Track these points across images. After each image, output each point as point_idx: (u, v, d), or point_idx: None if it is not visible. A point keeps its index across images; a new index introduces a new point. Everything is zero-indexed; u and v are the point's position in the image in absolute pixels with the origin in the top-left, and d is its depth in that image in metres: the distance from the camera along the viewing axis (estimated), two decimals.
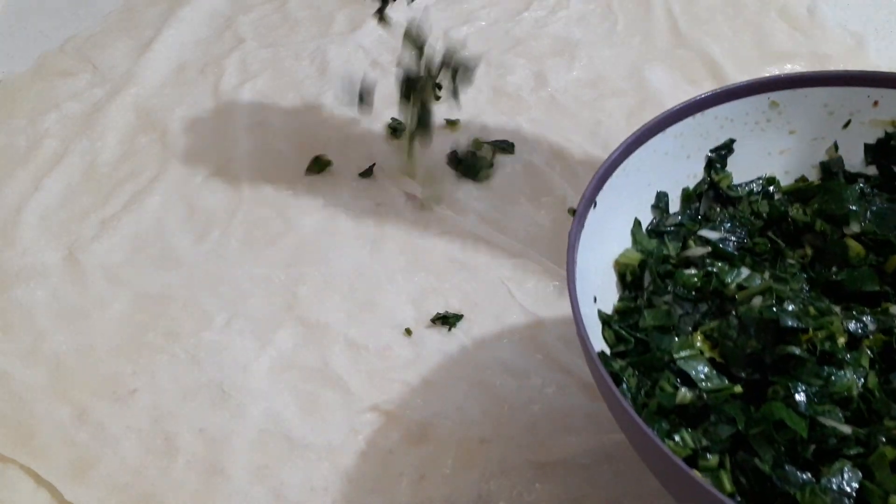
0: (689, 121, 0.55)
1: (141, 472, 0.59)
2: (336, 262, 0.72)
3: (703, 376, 0.46)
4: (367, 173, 0.80)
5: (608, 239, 0.53)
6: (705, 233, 0.55)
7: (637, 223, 0.55)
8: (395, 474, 0.58)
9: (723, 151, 0.57)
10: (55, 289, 0.71)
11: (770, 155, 0.58)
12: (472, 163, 0.77)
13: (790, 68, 0.87)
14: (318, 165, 0.79)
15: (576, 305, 0.45)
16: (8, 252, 0.74)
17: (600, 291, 0.51)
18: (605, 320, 0.51)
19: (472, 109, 0.85)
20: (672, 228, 0.56)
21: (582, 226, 0.48)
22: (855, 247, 0.52)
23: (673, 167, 0.56)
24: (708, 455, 0.44)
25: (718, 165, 0.58)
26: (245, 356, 0.66)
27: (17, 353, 0.66)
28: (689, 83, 0.87)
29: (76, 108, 0.88)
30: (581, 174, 0.77)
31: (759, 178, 0.58)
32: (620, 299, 0.53)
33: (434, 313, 0.68)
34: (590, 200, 0.49)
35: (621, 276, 0.54)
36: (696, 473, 0.39)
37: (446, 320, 0.67)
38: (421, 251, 0.73)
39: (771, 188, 0.58)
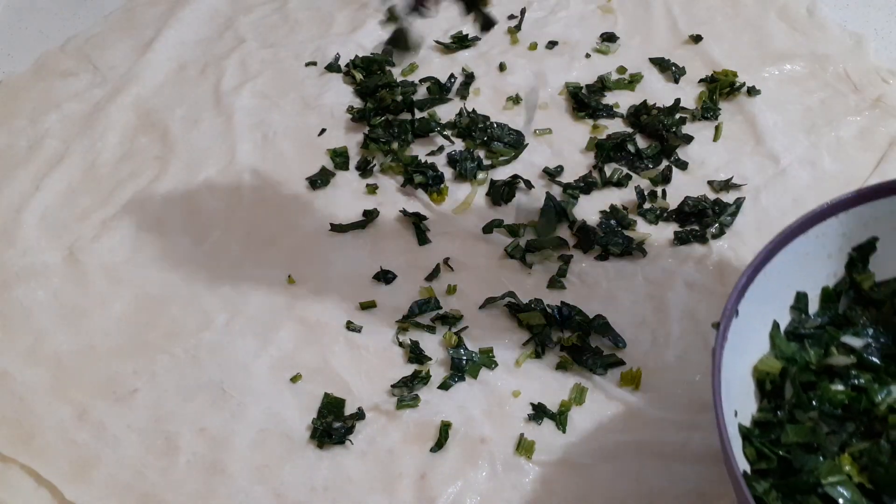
0: (832, 221, 0.53)
1: (141, 471, 0.59)
2: (336, 262, 0.72)
3: None
4: (368, 173, 0.80)
5: (746, 345, 0.51)
6: (849, 339, 0.54)
7: (776, 326, 0.54)
8: (395, 474, 0.58)
9: (865, 250, 0.56)
10: (56, 289, 0.71)
11: None
12: None
13: (789, 68, 0.87)
14: (323, 180, 0.79)
15: (723, 426, 0.43)
16: (9, 252, 0.74)
17: (740, 403, 0.50)
18: (746, 435, 0.49)
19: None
20: (813, 331, 0.54)
21: (726, 339, 0.47)
22: None
23: (813, 268, 0.54)
24: None
25: (860, 265, 0.56)
26: (245, 356, 0.66)
27: (18, 352, 0.66)
28: (690, 83, 0.87)
29: (77, 109, 0.88)
30: None
31: None
32: (760, 409, 0.52)
33: (434, 314, 0.68)
34: (732, 311, 0.48)
35: (759, 384, 0.52)
36: None
37: (446, 320, 0.67)
38: (421, 251, 0.73)
39: None
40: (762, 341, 0.53)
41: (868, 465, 0.47)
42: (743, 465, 0.48)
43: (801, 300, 0.55)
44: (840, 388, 0.51)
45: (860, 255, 0.56)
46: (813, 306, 0.56)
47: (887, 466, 0.46)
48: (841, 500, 0.45)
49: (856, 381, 0.51)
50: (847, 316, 0.56)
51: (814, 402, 0.51)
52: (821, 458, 0.48)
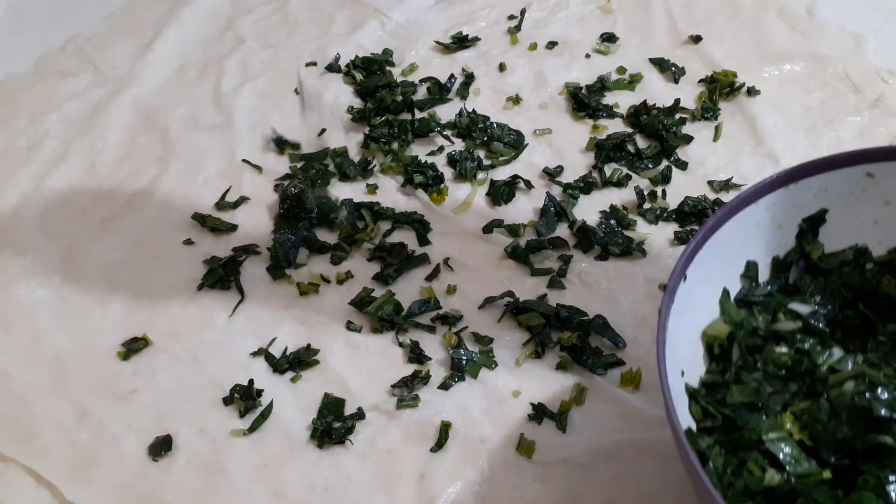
0: (781, 192, 0.54)
1: (141, 471, 0.59)
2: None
3: (791, 459, 0.46)
4: (368, 173, 0.80)
5: (696, 310, 0.52)
6: (796, 306, 0.55)
7: (726, 293, 0.55)
8: (395, 474, 0.58)
9: (815, 221, 0.56)
10: (56, 289, 0.71)
11: (863, 225, 0.57)
12: None
13: (789, 69, 0.87)
14: (323, 180, 0.79)
15: (665, 383, 0.45)
16: (8, 252, 0.74)
17: (687, 364, 0.51)
18: (692, 394, 0.51)
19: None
20: (762, 299, 0.55)
21: (672, 300, 0.48)
22: None
23: (764, 237, 0.55)
24: None
25: (810, 235, 0.57)
26: (245, 356, 0.66)
27: (18, 352, 0.66)
28: (690, 83, 0.87)
29: (77, 109, 0.88)
30: None
31: (850, 248, 0.57)
32: (707, 372, 0.53)
33: (434, 314, 0.68)
34: (680, 274, 0.49)
35: (709, 348, 0.53)
36: None
37: (446, 320, 0.67)
38: (420, 251, 0.73)
39: (863, 259, 0.57)
40: (712, 307, 0.54)
41: (808, 423, 0.48)
42: (688, 422, 0.49)
43: (751, 269, 0.56)
44: (784, 350, 0.53)
45: (810, 227, 0.57)
46: (763, 275, 0.57)
47: (826, 424, 0.47)
48: (781, 455, 0.46)
49: (800, 345, 0.53)
50: (796, 285, 0.57)
51: (759, 364, 0.52)
52: (763, 417, 0.49)
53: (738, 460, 0.47)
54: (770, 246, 0.56)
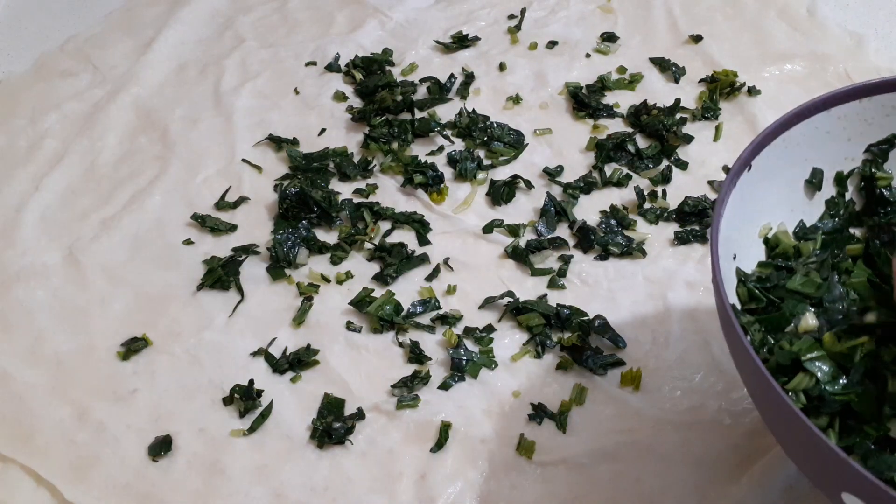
0: (854, 104, 0.54)
1: (141, 471, 0.59)
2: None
3: (828, 378, 0.46)
4: (368, 173, 0.80)
5: (755, 203, 0.53)
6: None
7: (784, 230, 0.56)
8: (395, 474, 0.58)
9: (884, 146, 0.57)
10: (56, 289, 0.71)
11: None
12: None
13: (790, 68, 0.87)
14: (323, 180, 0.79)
15: (715, 256, 0.45)
16: (8, 252, 0.74)
17: (742, 251, 0.52)
18: (742, 278, 0.51)
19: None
20: (818, 237, 0.56)
21: (734, 184, 0.48)
22: None
23: (832, 147, 0.56)
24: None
25: (880, 160, 0.57)
26: (245, 356, 0.66)
27: (18, 352, 0.66)
28: (690, 83, 0.87)
29: (76, 108, 0.88)
30: None
31: None
32: (759, 266, 0.54)
33: (434, 314, 0.68)
34: (745, 162, 0.49)
35: (768, 246, 0.54)
36: (811, 423, 0.40)
37: (446, 320, 0.67)
38: (420, 251, 0.73)
39: None
40: (772, 205, 0.55)
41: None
42: (733, 300, 0.50)
43: (816, 175, 0.56)
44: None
45: (880, 151, 0.57)
46: (828, 188, 0.57)
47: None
48: (819, 374, 0.46)
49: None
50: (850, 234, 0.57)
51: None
52: (809, 307, 0.50)
53: (776, 339, 0.48)
54: (838, 158, 0.57)
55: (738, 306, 0.50)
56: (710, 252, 0.46)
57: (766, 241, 0.55)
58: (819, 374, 0.46)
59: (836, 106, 0.54)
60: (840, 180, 0.58)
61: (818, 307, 0.51)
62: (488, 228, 0.74)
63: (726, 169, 0.49)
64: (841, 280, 0.53)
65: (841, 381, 0.46)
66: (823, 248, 0.55)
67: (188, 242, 0.74)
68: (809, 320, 0.49)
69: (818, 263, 0.53)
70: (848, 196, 0.58)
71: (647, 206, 0.75)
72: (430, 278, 0.71)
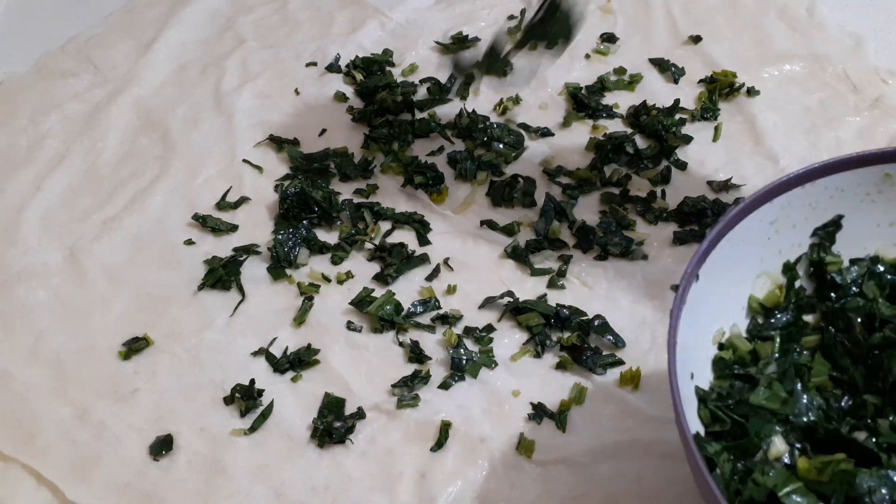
0: (798, 191, 0.53)
1: (142, 471, 0.59)
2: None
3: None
4: (368, 173, 0.80)
5: (708, 311, 0.51)
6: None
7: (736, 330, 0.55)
8: (395, 474, 0.59)
9: (830, 228, 0.56)
10: (57, 289, 0.71)
11: (879, 226, 0.57)
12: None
13: (789, 69, 0.87)
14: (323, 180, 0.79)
15: (675, 386, 0.44)
16: (10, 252, 0.74)
17: (697, 367, 0.50)
18: (702, 398, 0.50)
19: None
20: (773, 334, 0.55)
21: (684, 301, 0.47)
22: None
23: (777, 237, 0.55)
24: None
25: (827, 243, 0.56)
26: (245, 356, 0.66)
27: (19, 352, 0.67)
28: (689, 84, 0.87)
29: (77, 109, 0.88)
30: None
31: (865, 256, 0.57)
32: (717, 377, 0.52)
33: (434, 313, 0.68)
34: (692, 274, 0.48)
35: (720, 350, 0.53)
36: None
37: (446, 320, 0.67)
38: (420, 251, 0.73)
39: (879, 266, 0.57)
40: (725, 309, 0.54)
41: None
42: (696, 427, 0.48)
43: (764, 267, 0.55)
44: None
45: (826, 234, 0.56)
46: (776, 277, 0.56)
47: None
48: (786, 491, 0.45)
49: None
50: (806, 325, 0.56)
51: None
52: (777, 428, 0.49)
53: (746, 467, 0.47)
54: (784, 246, 0.56)
55: (703, 432, 0.49)
56: (670, 384, 0.44)
57: (721, 346, 0.54)
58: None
59: (780, 195, 0.53)
60: (789, 269, 0.57)
61: (785, 423, 0.50)
62: (488, 228, 0.74)
63: (675, 287, 0.48)
64: (805, 381, 0.52)
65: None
66: (782, 353, 0.54)
67: (189, 242, 0.74)
68: (779, 446, 0.48)
69: (779, 373, 0.52)
70: (798, 283, 0.57)
71: (646, 206, 0.75)
72: (430, 278, 0.71)
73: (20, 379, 0.65)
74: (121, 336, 0.67)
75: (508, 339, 0.66)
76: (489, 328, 0.67)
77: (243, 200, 0.78)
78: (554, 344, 0.65)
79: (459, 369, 0.64)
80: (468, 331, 0.66)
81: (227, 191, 0.79)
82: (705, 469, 0.42)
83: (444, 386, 0.63)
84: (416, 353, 0.65)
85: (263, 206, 0.78)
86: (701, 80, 0.87)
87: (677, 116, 0.83)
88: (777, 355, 0.54)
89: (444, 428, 0.60)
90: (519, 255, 0.72)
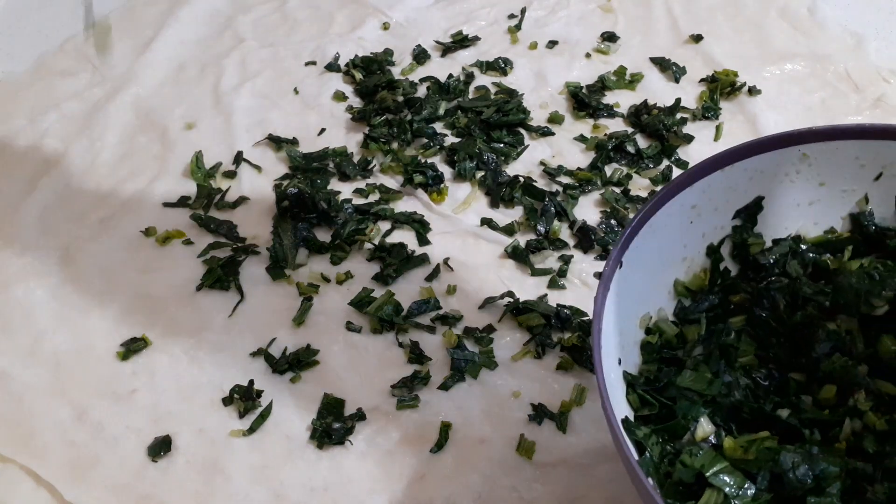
0: (717, 174, 0.54)
1: (141, 472, 0.59)
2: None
3: (737, 490, 0.46)
4: (368, 173, 0.80)
5: (634, 297, 0.52)
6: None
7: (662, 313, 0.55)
8: (395, 474, 0.58)
9: (752, 209, 0.56)
10: (55, 289, 0.71)
11: (799, 206, 0.57)
12: None
13: (790, 68, 0.87)
14: (323, 181, 0.79)
15: (600, 371, 0.44)
16: (7, 251, 0.73)
17: (625, 353, 0.51)
18: (630, 382, 0.50)
19: None
20: (699, 316, 0.56)
21: (608, 288, 0.47)
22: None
23: (700, 221, 0.55)
24: None
25: (749, 225, 0.57)
26: (244, 356, 0.66)
27: (17, 353, 0.66)
28: (690, 83, 0.87)
29: (76, 108, 0.88)
30: None
31: (787, 236, 0.58)
32: (645, 361, 0.53)
33: (434, 314, 0.68)
34: (616, 261, 0.48)
35: (648, 335, 0.54)
36: None
37: (446, 320, 0.67)
38: (420, 251, 0.73)
39: (801, 246, 0.57)
40: (650, 294, 0.54)
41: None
42: (626, 411, 0.49)
43: (687, 251, 0.56)
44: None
45: (748, 216, 0.57)
46: (700, 259, 0.57)
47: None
48: (727, 489, 0.45)
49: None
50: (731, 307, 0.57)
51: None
52: (702, 409, 0.49)
53: (675, 449, 0.48)
54: (707, 229, 0.56)
55: (632, 416, 0.49)
56: (595, 369, 0.45)
57: (648, 330, 0.54)
58: (727, 489, 0.45)
59: (699, 180, 0.53)
60: (713, 251, 0.57)
61: (712, 404, 0.50)
62: (487, 228, 0.74)
63: (598, 275, 0.48)
64: (731, 363, 0.52)
65: (749, 490, 0.46)
66: (709, 334, 0.54)
67: (187, 242, 0.74)
68: (705, 426, 0.48)
69: (705, 355, 0.53)
70: (722, 266, 0.57)
71: None
72: (430, 278, 0.71)
73: (18, 379, 0.65)
74: (119, 336, 0.67)
75: (509, 339, 0.66)
76: (489, 329, 0.66)
77: (242, 200, 0.78)
78: (554, 344, 0.65)
79: (459, 370, 0.64)
80: (468, 331, 0.66)
81: (226, 190, 0.78)
82: (631, 452, 0.42)
83: (444, 387, 0.63)
84: (415, 354, 0.65)
85: (263, 205, 0.77)
86: (702, 80, 0.87)
87: (678, 116, 0.83)
88: (704, 337, 0.54)
89: (444, 429, 0.60)
90: (519, 255, 0.71)
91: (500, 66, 0.90)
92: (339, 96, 0.88)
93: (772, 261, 0.57)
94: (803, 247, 0.57)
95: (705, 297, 0.56)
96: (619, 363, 0.50)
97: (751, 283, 0.57)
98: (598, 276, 0.48)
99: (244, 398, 0.62)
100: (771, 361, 0.54)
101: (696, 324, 0.55)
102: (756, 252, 0.57)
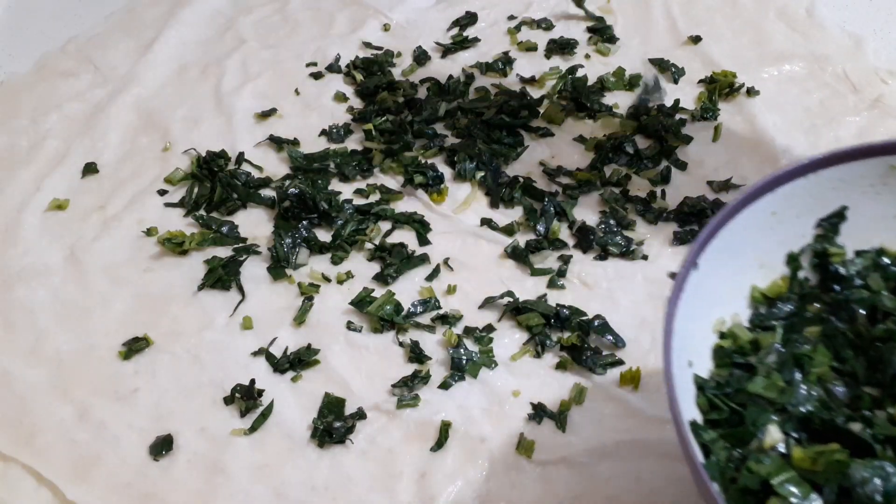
0: (800, 181, 0.53)
1: (142, 471, 0.59)
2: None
3: (802, 500, 0.45)
4: (368, 173, 0.80)
5: (708, 300, 0.51)
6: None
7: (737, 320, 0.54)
8: (395, 474, 0.59)
9: (834, 220, 0.55)
10: (57, 288, 0.71)
11: (884, 219, 0.56)
12: None
13: (789, 69, 0.87)
14: (323, 181, 0.79)
15: (669, 376, 0.44)
16: (10, 252, 0.74)
17: (696, 355, 0.50)
18: (700, 385, 0.50)
19: None
20: (774, 324, 0.54)
21: (682, 289, 0.47)
22: None
23: (780, 227, 0.54)
24: None
25: (831, 234, 0.56)
26: (245, 356, 0.66)
27: (19, 352, 0.67)
28: (689, 84, 0.87)
29: (78, 109, 0.88)
30: None
31: (870, 249, 0.56)
32: (717, 366, 0.52)
33: (434, 313, 0.68)
34: (691, 263, 0.48)
35: (721, 338, 0.53)
36: None
37: (446, 320, 0.67)
38: (420, 251, 0.73)
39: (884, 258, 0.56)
40: (725, 298, 0.54)
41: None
42: (694, 414, 0.48)
43: (767, 257, 0.55)
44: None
45: (831, 226, 0.56)
46: (779, 268, 0.56)
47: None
48: (792, 499, 0.45)
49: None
50: (810, 318, 0.56)
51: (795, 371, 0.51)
52: (773, 417, 0.48)
53: (742, 455, 0.47)
54: (787, 236, 0.55)
55: (700, 419, 0.48)
56: (665, 370, 0.44)
57: (722, 334, 0.54)
58: (792, 499, 0.44)
59: (782, 186, 0.52)
60: (792, 259, 0.56)
61: (783, 413, 0.50)
62: (487, 228, 0.74)
63: (672, 275, 0.48)
64: (804, 373, 0.51)
65: (815, 502, 0.44)
66: (784, 342, 0.54)
67: (189, 242, 0.74)
68: (774, 434, 0.48)
69: (779, 363, 0.52)
70: (802, 275, 0.56)
71: (646, 206, 0.75)
72: (430, 278, 0.71)
73: (20, 378, 0.65)
74: (121, 336, 0.67)
75: (508, 339, 0.66)
76: (489, 328, 0.67)
77: (243, 200, 0.78)
78: (554, 344, 0.65)
79: (459, 369, 0.64)
80: (468, 331, 0.67)
81: (227, 190, 0.79)
82: (697, 454, 0.42)
83: (444, 386, 0.63)
84: (416, 353, 0.65)
85: (263, 205, 0.78)
86: (700, 81, 0.87)
87: (677, 116, 0.83)
88: (778, 345, 0.53)
89: (444, 428, 0.60)
90: (519, 255, 0.72)
91: (499, 67, 0.91)
92: (340, 97, 0.88)
93: (853, 272, 0.56)
94: (886, 260, 0.56)
95: (782, 304, 0.55)
96: (690, 365, 0.49)
97: (830, 293, 0.56)
98: (672, 275, 0.48)
99: (245, 397, 0.63)
100: (846, 374, 0.53)
101: (771, 331, 0.54)
102: (837, 262, 0.56)
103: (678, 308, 0.46)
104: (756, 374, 0.51)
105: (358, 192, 0.78)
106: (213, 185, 0.78)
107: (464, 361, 0.64)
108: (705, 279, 0.49)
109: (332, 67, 0.92)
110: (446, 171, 0.80)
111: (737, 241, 0.51)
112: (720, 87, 0.85)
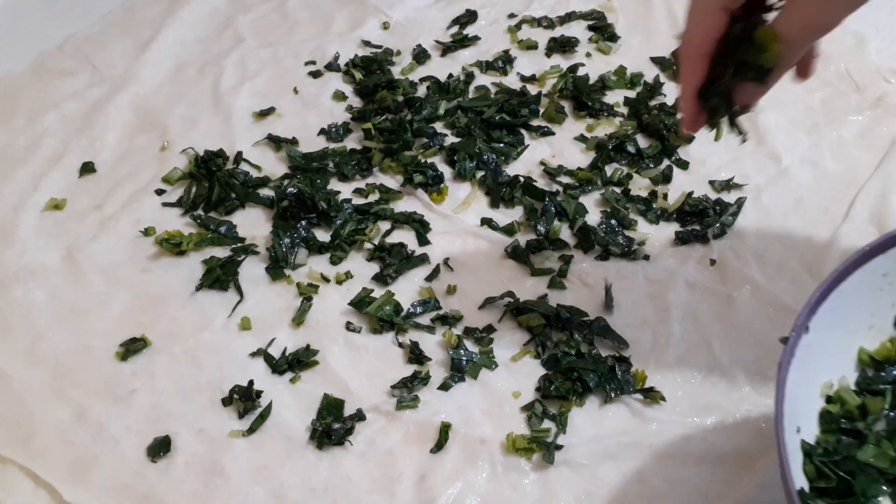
0: None
1: (140, 472, 0.59)
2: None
3: None
4: (368, 173, 0.80)
5: (816, 363, 0.50)
6: None
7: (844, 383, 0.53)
8: (395, 475, 0.58)
9: None
10: (54, 289, 0.71)
11: None
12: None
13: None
14: (323, 181, 0.78)
15: (782, 445, 0.43)
16: (7, 252, 0.73)
17: (804, 420, 0.49)
18: (807, 452, 0.49)
19: None
20: (883, 388, 0.53)
21: (793, 355, 0.46)
22: None
23: (890, 289, 0.53)
24: None
25: None
26: (244, 356, 0.66)
27: (17, 353, 0.66)
28: None
29: (75, 108, 0.87)
30: None
31: None
32: (823, 431, 0.51)
33: (434, 314, 0.68)
34: (802, 326, 0.47)
35: (828, 403, 0.52)
36: None
37: (446, 320, 0.67)
38: (420, 251, 0.73)
39: None
40: (834, 361, 0.53)
41: None
42: (801, 482, 0.47)
43: (875, 320, 0.53)
44: None
45: None
46: (888, 329, 0.55)
47: None
48: None
49: None
50: None
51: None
52: (884, 487, 0.47)
53: None
54: (894, 299, 0.54)
55: (807, 487, 0.47)
56: (776, 439, 0.43)
57: (829, 399, 0.52)
58: None
59: (893, 247, 0.51)
60: None
61: (894, 483, 0.48)
62: (487, 228, 0.74)
63: (784, 340, 0.47)
64: None
65: None
66: (893, 408, 0.52)
67: (187, 242, 0.74)
68: None
69: (888, 430, 0.50)
70: None
71: (647, 205, 0.75)
72: (429, 278, 0.71)
73: (17, 379, 0.64)
74: (118, 336, 0.67)
75: (509, 339, 0.66)
76: (489, 329, 0.66)
77: (242, 200, 0.78)
78: (554, 344, 0.65)
79: (459, 370, 0.63)
80: (468, 331, 0.66)
81: (226, 190, 0.78)
82: None
83: (444, 387, 0.63)
84: (415, 354, 0.64)
85: (262, 205, 0.77)
86: None
87: (679, 115, 0.83)
88: (887, 411, 0.52)
89: (444, 429, 0.60)
90: (519, 255, 0.71)
91: (499, 65, 0.90)
92: (339, 96, 0.88)
93: None
94: None
95: (891, 367, 0.54)
96: (798, 431, 0.49)
97: None
98: (784, 340, 0.47)
99: (244, 398, 0.62)
100: None
101: (880, 395, 0.53)
102: None
103: (789, 374, 0.45)
104: (865, 441, 0.50)
105: (357, 191, 0.78)
106: (212, 184, 0.78)
107: (464, 362, 0.64)
108: (815, 342, 0.48)
109: (331, 66, 0.91)
110: (446, 170, 0.79)
111: (847, 303, 0.50)
112: None
